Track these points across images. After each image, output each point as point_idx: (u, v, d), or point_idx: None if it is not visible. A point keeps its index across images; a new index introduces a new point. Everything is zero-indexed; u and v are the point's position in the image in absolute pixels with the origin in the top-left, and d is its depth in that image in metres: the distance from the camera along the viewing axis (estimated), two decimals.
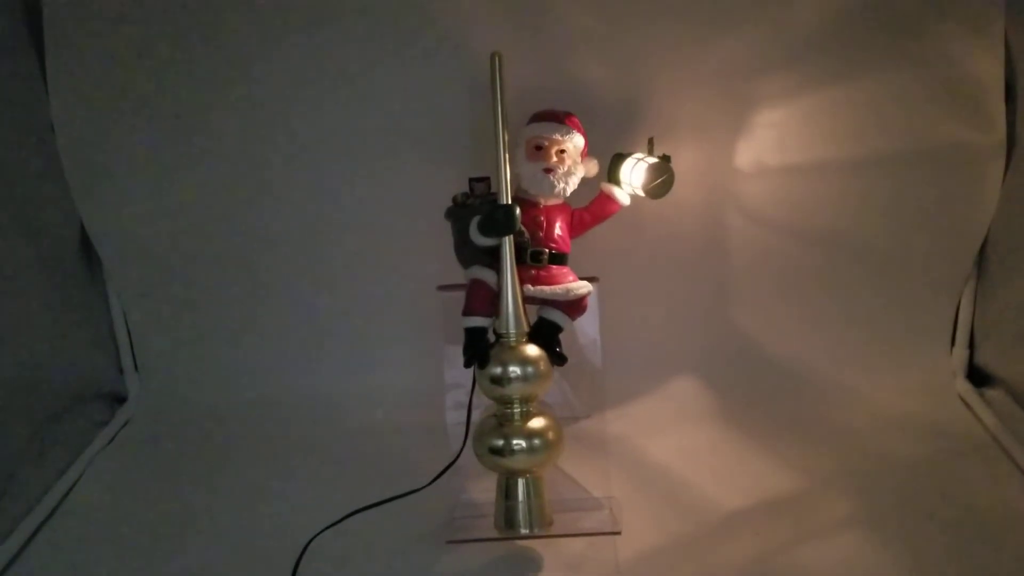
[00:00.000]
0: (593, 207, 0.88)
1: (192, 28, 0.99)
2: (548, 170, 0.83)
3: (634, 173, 0.86)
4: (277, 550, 0.81)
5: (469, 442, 0.83)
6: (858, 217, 1.03)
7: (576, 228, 0.87)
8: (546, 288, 0.83)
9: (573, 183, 0.84)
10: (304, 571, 0.79)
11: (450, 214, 0.86)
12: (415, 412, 1.04)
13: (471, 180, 0.84)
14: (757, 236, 1.04)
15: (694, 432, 1.01)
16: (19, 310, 0.93)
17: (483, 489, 0.84)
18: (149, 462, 1.00)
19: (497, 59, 0.78)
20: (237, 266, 1.07)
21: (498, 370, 0.80)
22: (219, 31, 0.99)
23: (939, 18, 0.96)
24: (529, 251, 0.82)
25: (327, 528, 0.82)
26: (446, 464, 0.86)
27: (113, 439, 1.04)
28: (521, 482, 0.81)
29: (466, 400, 0.85)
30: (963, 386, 1.05)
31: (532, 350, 0.81)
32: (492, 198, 0.82)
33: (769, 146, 1.01)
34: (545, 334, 0.82)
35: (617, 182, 0.88)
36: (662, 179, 0.84)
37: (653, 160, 0.85)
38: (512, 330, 0.80)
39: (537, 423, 0.81)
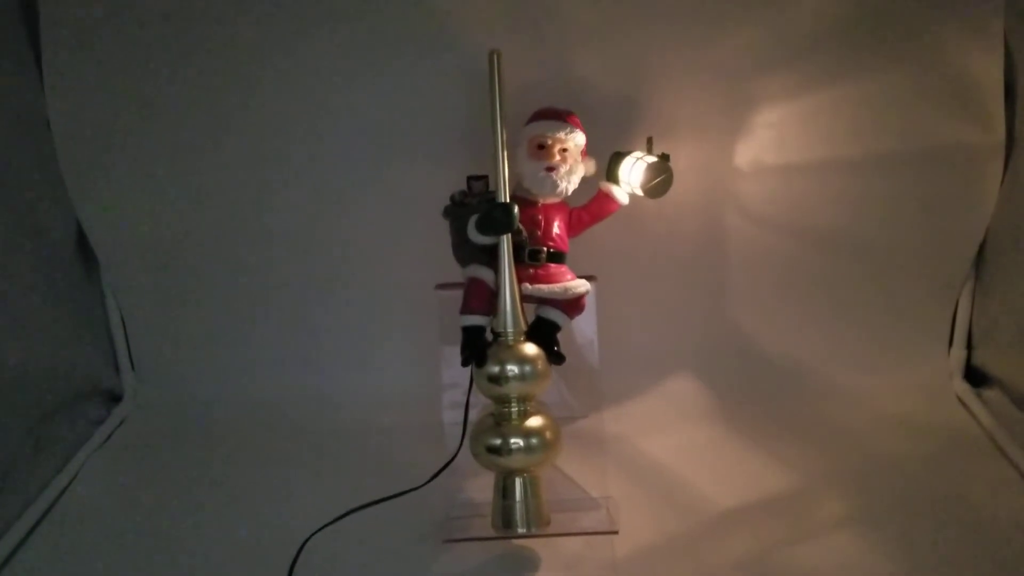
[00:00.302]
0: (592, 206, 0.88)
1: (190, 28, 0.99)
2: (550, 169, 0.82)
3: (633, 172, 0.85)
4: (273, 549, 0.80)
5: (466, 441, 0.83)
6: (856, 217, 1.03)
7: (574, 227, 0.87)
8: (544, 287, 0.82)
9: (575, 182, 0.84)
10: (301, 570, 0.78)
11: (448, 213, 0.85)
12: (413, 411, 1.04)
13: (469, 178, 0.84)
14: (755, 236, 1.04)
15: (691, 431, 1.01)
16: (15, 308, 0.92)
17: (480, 488, 0.84)
18: (145, 461, 1.00)
19: (495, 57, 0.77)
20: (233, 265, 1.07)
21: (496, 369, 0.79)
22: (217, 31, 0.99)
23: (938, 19, 0.96)
24: (527, 250, 0.82)
25: (324, 527, 0.82)
26: (443, 463, 0.85)
27: (109, 438, 1.04)
28: (518, 481, 0.80)
29: (463, 399, 0.85)
30: (961, 387, 1.05)
31: (530, 349, 0.80)
32: (490, 197, 0.81)
33: (768, 146, 1.01)
34: (543, 333, 0.82)
35: (616, 181, 0.88)
36: (661, 178, 0.84)
37: (652, 159, 0.84)
38: (510, 329, 0.80)
39: (535, 422, 0.80)
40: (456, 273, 0.86)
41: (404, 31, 0.98)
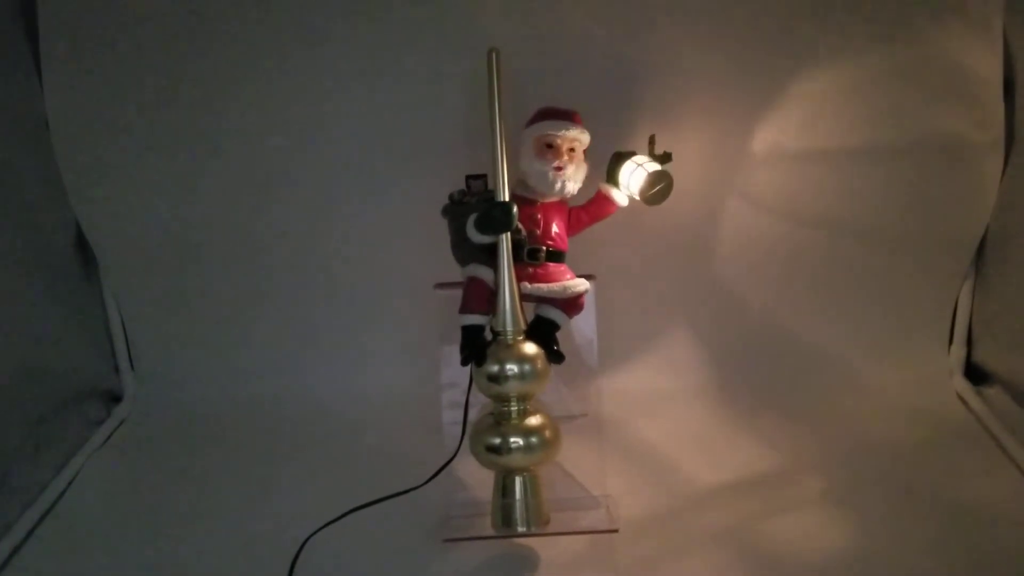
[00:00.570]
0: (591, 207, 0.87)
1: (190, 29, 0.98)
2: (559, 168, 0.82)
3: (632, 178, 0.85)
4: (274, 548, 0.80)
5: (466, 440, 0.83)
6: (856, 213, 1.03)
7: (573, 226, 0.87)
8: (543, 286, 0.82)
9: (580, 181, 0.84)
10: (301, 569, 0.78)
11: (447, 212, 0.85)
12: (412, 410, 1.04)
13: (468, 177, 0.83)
14: (755, 233, 1.04)
15: (691, 429, 1.01)
16: (14, 309, 0.93)
17: (480, 487, 0.84)
18: (145, 461, 1.00)
19: (494, 55, 0.77)
20: (233, 265, 1.07)
21: (495, 368, 0.79)
22: (217, 32, 0.99)
23: (938, 14, 0.96)
24: (526, 249, 0.82)
25: (324, 526, 0.82)
26: (443, 462, 0.85)
27: (109, 438, 1.04)
28: (518, 480, 0.80)
29: (463, 398, 0.85)
30: (961, 384, 1.05)
31: (529, 348, 0.80)
32: (489, 196, 0.81)
33: (766, 143, 1.01)
34: (543, 332, 0.82)
35: (615, 182, 0.88)
36: (659, 187, 0.83)
37: (653, 167, 0.84)
38: (509, 328, 0.80)
39: (534, 421, 0.80)
40: (455, 272, 0.85)
41: (403, 30, 0.98)
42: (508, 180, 0.79)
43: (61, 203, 1.03)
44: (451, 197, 0.85)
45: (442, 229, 0.86)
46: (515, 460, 0.80)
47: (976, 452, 0.94)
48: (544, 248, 0.83)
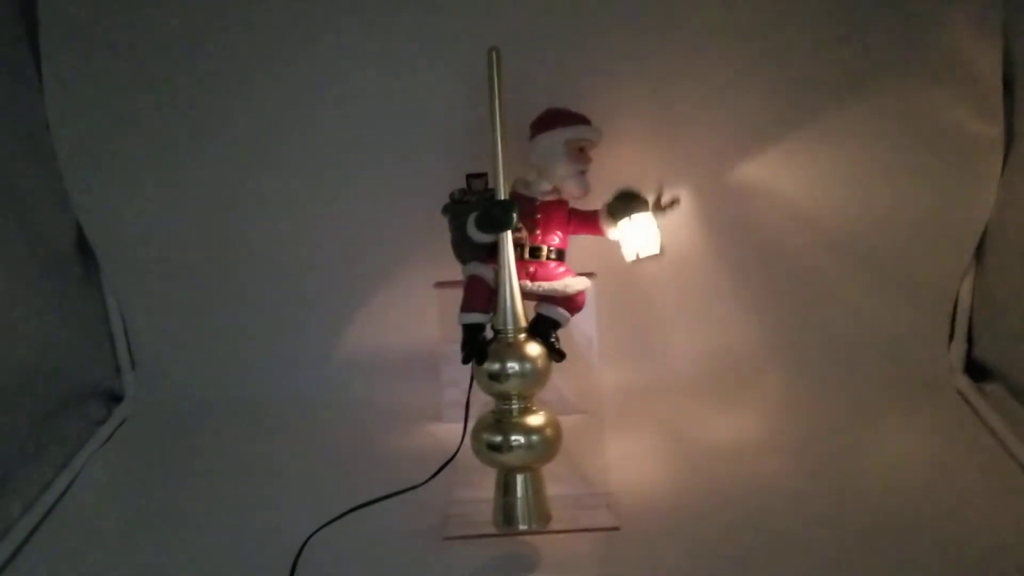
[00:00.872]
0: (585, 221, 0.86)
1: (189, 29, 0.99)
2: (583, 172, 0.84)
3: (626, 235, 0.85)
4: (275, 547, 0.80)
5: (467, 439, 0.83)
6: (856, 211, 1.03)
7: (569, 226, 0.87)
8: (544, 284, 0.83)
9: None
10: (303, 568, 0.78)
11: (447, 211, 0.86)
12: (413, 409, 1.04)
13: (468, 176, 0.84)
14: (754, 230, 1.04)
15: (692, 428, 1.01)
16: (15, 309, 0.92)
17: (482, 486, 0.84)
18: (146, 460, 1.00)
19: (495, 54, 0.77)
20: (234, 265, 1.07)
21: (496, 366, 0.79)
22: (216, 32, 0.99)
23: (938, 11, 0.96)
24: (527, 247, 0.82)
25: (325, 525, 0.82)
26: (444, 461, 0.86)
27: (110, 438, 1.04)
28: (519, 478, 0.80)
29: (464, 397, 0.85)
30: (962, 381, 1.05)
31: (530, 346, 0.80)
32: (489, 194, 0.81)
33: (766, 139, 1.01)
34: (543, 330, 0.82)
35: (615, 215, 0.85)
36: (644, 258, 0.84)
37: (650, 243, 0.84)
38: (510, 326, 0.80)
39: (535, 419, 0.80)
40: (456, 271, 0.86)
41: (403, 28, 0.98)
42: (508, 179, 0.79)
43: (61, 204, 1.03)
44: (452, 196, 0.85)
45: (443, 228, 0.86)
46: (516, 458, 0.80)
47: (977, 448, 0.94)
48: (545, 246, 0.83)
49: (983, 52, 0.96)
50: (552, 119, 0.85)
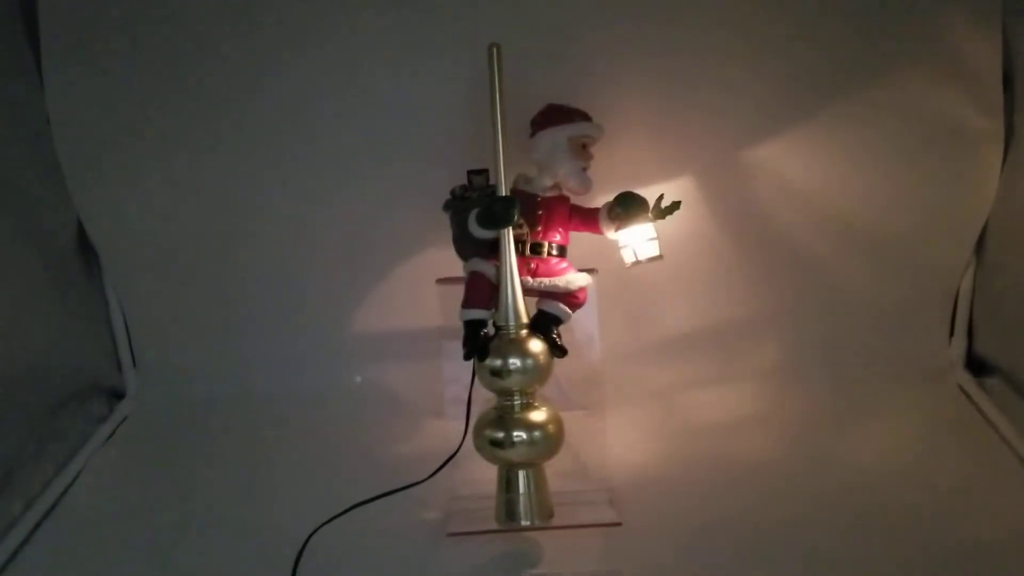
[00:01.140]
0: (586, 219, 0.86)
1: (189, 29, 0.98)
2: (585, 168, 0.84)
3: (624, 240, 0.84)
4: (278, 545, 0.80)
5: (469, 435, 0.83)
6: (856, 205, 1.03)
7: (570, 223, 0.87)
8: (545, 280, 0.82)
9: None
10: (305, 565, 0.78)
11: (448, 207, 0.86)
12: (414, 406, 1.04)
13: (469, 173, 0.84)
14: (755, 225, 1.04)
15: (693, 424, 1.01)
16: (17, 307, 0.92)
17: (484, 482, 0.84)
18: (148, 458, 1.00)
19: (495, 50, 0.77)
20: (235, 262, 1.07)
21: (498, 363, 0.80)
22: (217, 32, 0.98)
23: (938, 6, 0.95)
24: (528, 243, 0.82)
25: (328, 522, 0.82)
26: (446, 457, 0.86)
27: (112, 435, 1.04)
28: (522, 474, 0.81)
29: (465, 393, 0.85)
30: (962, 376, 1.05)
31: (532, 342, 0.81)
32: (491, 191, 0.81)
33: (766, 135, 1.01)
34: (545, 326, 0.83)
35: (616, 216, 0.84)
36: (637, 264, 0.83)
37: (648, 248, 0.83)
38: (511, 322, 0.80)
39: (537, 415, 0.80)
40: (457, 267, 0.86)
41: (403, 26, 0.98)
42: (509, 175, 0.79)
43: (63, 201, 1.03)
44: (453, 192, 0.85)
45: (444, 224, 0.86)
46: (518, 454, 0.80)
47: (977, 443, 0.94)
48: (546, 242, 0.83)
49: (983, 47, 0.96)
50: (554, 115, 0.85)
